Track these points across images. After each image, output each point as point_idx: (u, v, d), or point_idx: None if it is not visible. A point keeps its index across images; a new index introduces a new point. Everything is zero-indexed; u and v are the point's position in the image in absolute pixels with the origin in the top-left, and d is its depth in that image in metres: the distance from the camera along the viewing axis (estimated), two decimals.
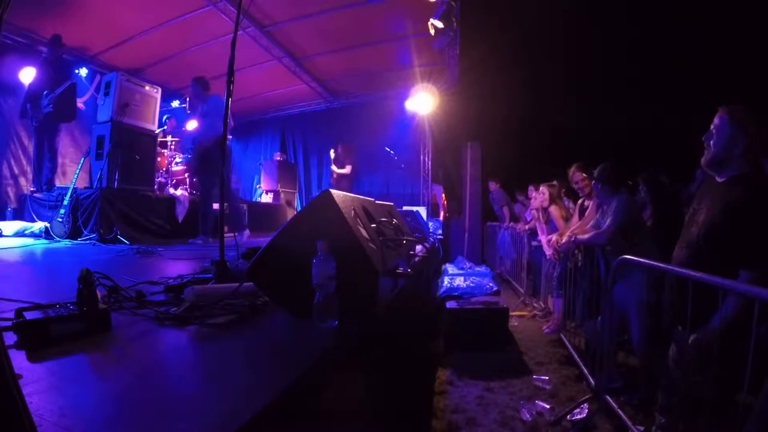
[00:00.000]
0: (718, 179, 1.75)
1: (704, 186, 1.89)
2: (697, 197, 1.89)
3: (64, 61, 5.08)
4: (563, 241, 3.19)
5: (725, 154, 1.69)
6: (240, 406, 0.67)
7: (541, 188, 4.22)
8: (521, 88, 9.87)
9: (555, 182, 4.17)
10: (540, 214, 4.31)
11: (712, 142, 1.74)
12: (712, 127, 1.77)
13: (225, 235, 1.90)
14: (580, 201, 3.73)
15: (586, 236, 2.86)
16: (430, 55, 6.22)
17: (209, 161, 4.34)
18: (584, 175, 3.59)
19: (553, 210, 4.03)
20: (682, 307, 1.66)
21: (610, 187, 2.73)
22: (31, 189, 5.12)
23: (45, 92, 4.71)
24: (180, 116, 7.27)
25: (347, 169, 7.14)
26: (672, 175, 4.97)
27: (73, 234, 4.14)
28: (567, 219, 3.94)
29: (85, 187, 4.73)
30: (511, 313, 4.28)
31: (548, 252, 4.12)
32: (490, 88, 9.07)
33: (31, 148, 5.36)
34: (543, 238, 4.20)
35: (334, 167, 7.29)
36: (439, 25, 4.97)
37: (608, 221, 2.68)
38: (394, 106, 7.67)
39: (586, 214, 3.41)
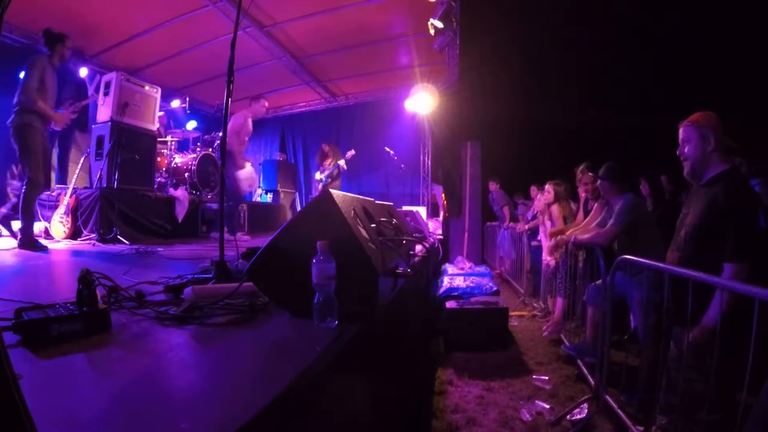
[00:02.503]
0: (701, 182, 1.84)
1: (691, 191, 1.98)
2: (686, 202, 1.99)
3: (70, 69, 5.25)
4: (565, 239, 3.17)
5: (702, 155, 1.80)
6: (240, 406, 0.67)
7: (546, 186, 4.20)
8: (521, 88, 9.89)
9: (559, 181, 4.16)
10: (543, 216, 4.31)
11: (686, 152, 1.85)
12: (680, 140, 1.88)
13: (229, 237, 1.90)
14: (583, 199, 3.73)
15: (586, 236, 2.86)
16: (430, 55, 6.21)
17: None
18: (592, 176, 3.59)
19: (555, 209, 4.02)
20: (679, 307, 1.70)
21: (618, 186, 2.73)
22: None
23: (68, 100, 4.88)
24: (177, 116, 7.26)
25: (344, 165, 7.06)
26: (672, 175, 4.98)
27: (73, 234, 4.14)
28: (568, 219, 3.93)
29: (85, 187, 4.72)
30: (511, 313, 4.28)
31: (546, 257, 4.12)
32: (490, 88, 9.10)
33: None
34: (544, 239, 4.19)
35: (318, 174, 7.11)
36: (439, 25, 4.97)
37: (611, 222, 2.68)
38: (394, 106, 7.66)
39: (591, 214, 3.41)
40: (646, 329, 2.41)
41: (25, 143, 3.30)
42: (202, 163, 5.90)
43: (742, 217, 1.60)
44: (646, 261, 2.03)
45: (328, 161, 6.68)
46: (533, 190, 6.24)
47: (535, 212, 5.29)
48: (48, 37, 3.50)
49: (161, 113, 6.67)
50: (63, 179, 5.30)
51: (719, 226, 1.64)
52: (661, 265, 1.86)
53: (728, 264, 1.60)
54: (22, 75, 3.41)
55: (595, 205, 3.39)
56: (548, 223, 4.20)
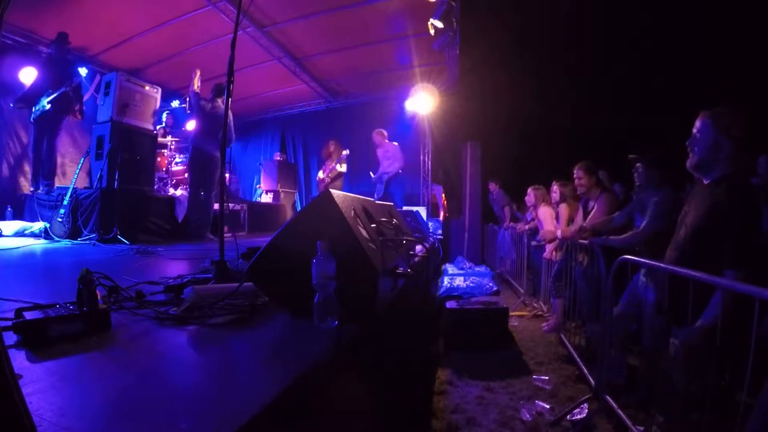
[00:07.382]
0: (705, 181, 1.76)
1: (694, 189, 1.90)
2: (687, 200, 1.91)
3: (68, 60, 5.07)
4: (583, 238, 3.01)
5: (710, 158, 1.70)
6: (240, 406, 0.67)
7: (553, 187, 4.19)
8: (521, 88, 9.87)
9: (564, 182, 4.14)
10: (551, 209, 4.29)
11: (696, 147, 1.74)
12: (694, 131, 1.76)
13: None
14: (583, 201, 3.71)
15: (619, 238, 2.71)
16: (430, 55, 6.22)
17: None
18: (585, 173, 3.50)
19: (563, 209, 4.00)
20: (676, 307, 1.68)
21: (658, 174, 2.58)
22: (31, 189, 5.13)
23: (49, 91, 4.70)
24: (177, 116, 7.27)
25: (342, 167, 7.11)
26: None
27: (73, 234, 4.14)
28: (571, 221, 3.91)
29: (85, 187, 4.73)
30: (511, 313, 4.27)
31: (547, 255, 4.11)
32: (490, 88, 9.08)
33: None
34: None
35: (320, 173, 7.29)
36: (439, 25, 4.98)
37: (645, 222, 2.55)
38: (394, 106, 7.67)
39: (592, 213, 3.37)
40: (652, 330, 2.39)
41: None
42: None
43: (743, 223, 1.54)
44: (645, 261, 2.02)
45: (331, 160, 6.71)
46: (530, 191, 6.22)
47: (533, 214, 5.28)
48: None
49: (167, 112, 6.69)
50: (63, 179, 5.31)
51: (720, 230, 1.58)
52: (661, 264, 1.85)
53: (728, 270, 1.55)
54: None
55: (596, 205, 3.37)
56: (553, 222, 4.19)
